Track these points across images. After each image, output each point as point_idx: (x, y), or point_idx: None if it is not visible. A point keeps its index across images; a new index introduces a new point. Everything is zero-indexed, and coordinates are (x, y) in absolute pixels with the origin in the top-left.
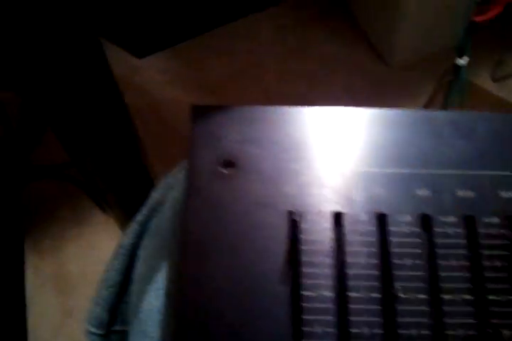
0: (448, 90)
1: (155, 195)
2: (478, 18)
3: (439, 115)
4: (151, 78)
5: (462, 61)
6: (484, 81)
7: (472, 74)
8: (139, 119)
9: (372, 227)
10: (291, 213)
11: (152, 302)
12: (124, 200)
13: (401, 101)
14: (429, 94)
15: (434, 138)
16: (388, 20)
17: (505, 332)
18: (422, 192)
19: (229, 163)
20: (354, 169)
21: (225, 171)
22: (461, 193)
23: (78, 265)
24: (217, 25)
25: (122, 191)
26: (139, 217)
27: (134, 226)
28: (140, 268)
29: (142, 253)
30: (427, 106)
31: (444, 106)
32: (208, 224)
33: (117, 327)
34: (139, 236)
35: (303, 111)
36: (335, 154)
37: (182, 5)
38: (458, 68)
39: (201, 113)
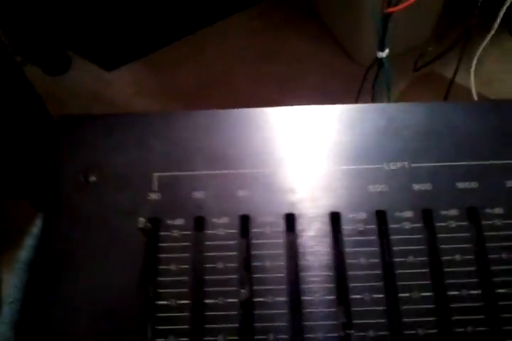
0: (374, 83)
1: None
2: (390, 10)
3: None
4: (121, 90)
5: (383, 54)
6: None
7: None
8: None
9: (234, 230)
10: (150, 220)
11: None
12: None
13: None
14: (400, 89)
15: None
16: (353, 19)
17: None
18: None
19: (91, 172)
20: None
21: (87, 180)
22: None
23: None
24: (186, 34)
25: None
26: (34, 230)
27: (28, 240)
28: None
29: None
30: (357, 99)
31: (373, 99)
32: (66, 235)
33: None
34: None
35: (169, 117)
36: (206, 157)
37: (149, 16)
38: (381, 61)
39: (68, 123)
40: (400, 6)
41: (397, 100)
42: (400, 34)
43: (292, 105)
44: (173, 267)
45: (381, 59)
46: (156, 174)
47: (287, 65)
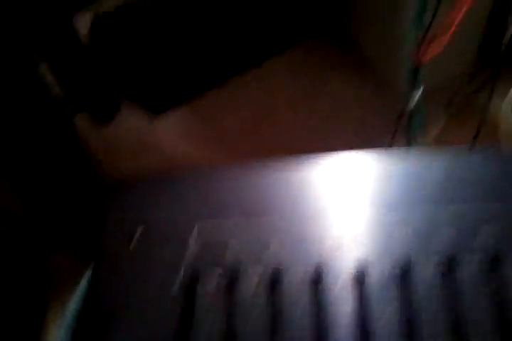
0: (409, 124)
1: None
2: (421, 59)
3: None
4: (167, 135)
5: (415, 97)
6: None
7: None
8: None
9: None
10: (192, 272)
11: None
12: None
13: None
14: (441, 125)
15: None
16: (393, 55)
17: None
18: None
19: (136, 229)
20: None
21: (131, 237)
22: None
23: None
24: (230, 76)
25: None
26: (82, 283)
27: (76, 292)
28: None
29: None
30: (391, 141)
31: (409, 141)
32: (111, 288)
33: None
34: None
35: (206, 173)
36: (241, 209)
37: (194, 62)
38: (414, 104)
39: (115, 186)
40: (430, 54)
41: (433, 139)
42: (434, 73)
43: (336, 144)
44: (209, 316)
45: (414, 102)
46: (195, 227)
47: (330, 104)
